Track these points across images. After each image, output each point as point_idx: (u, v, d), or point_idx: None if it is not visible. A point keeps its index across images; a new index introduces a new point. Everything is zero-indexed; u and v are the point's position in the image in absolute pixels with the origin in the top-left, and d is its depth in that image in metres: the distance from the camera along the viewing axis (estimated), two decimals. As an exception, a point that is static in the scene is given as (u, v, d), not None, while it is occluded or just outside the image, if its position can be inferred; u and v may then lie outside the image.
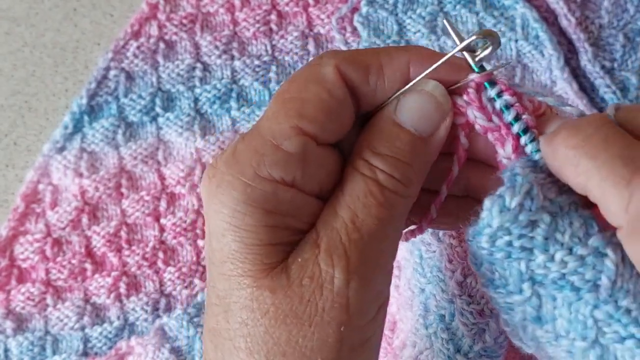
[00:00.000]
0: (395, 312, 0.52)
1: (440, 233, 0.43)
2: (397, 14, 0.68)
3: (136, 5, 0.71)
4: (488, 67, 0.36)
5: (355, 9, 0.69)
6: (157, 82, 0.68)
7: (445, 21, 0.37)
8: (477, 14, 0.68)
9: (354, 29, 0.68)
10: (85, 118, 0.67)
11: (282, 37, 0.69)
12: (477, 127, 0.36)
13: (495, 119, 0.35)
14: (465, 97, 0.36)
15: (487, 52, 0.34)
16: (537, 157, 0.34)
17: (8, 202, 0.67)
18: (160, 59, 0.69)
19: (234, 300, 0.33)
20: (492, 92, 0.35)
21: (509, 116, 0.35)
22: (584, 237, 0.32)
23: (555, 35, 0.67)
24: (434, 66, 0.34)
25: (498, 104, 0.35)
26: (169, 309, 0.64)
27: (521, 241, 0.33)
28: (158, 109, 0.68)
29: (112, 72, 0.69)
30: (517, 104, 0.35)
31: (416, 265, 0.46)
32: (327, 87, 0.34)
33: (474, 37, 0.34)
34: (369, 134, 0.35)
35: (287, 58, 0.69)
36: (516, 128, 0.34)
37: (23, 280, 0.64)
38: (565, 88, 0.65)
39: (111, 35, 0.71)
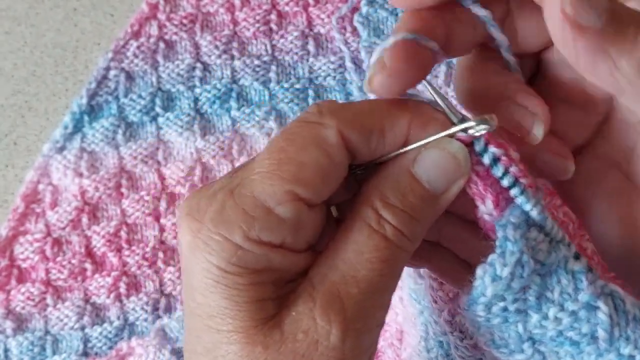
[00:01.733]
0: (402, 322, 0.52)
1: (421, 270, 0.43)
2: (397, 14, 0.68)
3: (136, 5, 0.71)
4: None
5: (355, 9, 0.69)
6: (157, 82, 0.68)
7: (430, 89, 0.35)
8: (477, 13, 0.68)
9: (354, 29, 0.68)
10: (85, 118, 0.67)
11: (282, 36, 0.69)
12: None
13: (472, 175, 0.34)
14: None
15: (482, 132, 0.33)
16: (527, 207, 0.33)
17: (8, 202, 0.67)
18: (160, 58, 0.69)
19: (222, 354, 0.32)
20: (477, 147, 0.34)
21: (498, 171, 0.34)
22: (574, 292, 0.32)
23: (555, 35, 0.66)
24: (433, 138, 0.34)
25: (486, 158, 0.34)
26: (169, 309, 0.64)
27: (515, 305, 0.33)
28: (158, 109, 0.68)
29: (112, 72, 0.69)
30: (503, 157, 0.34)
31: (411, 290, 0.46)
32: (329, 151, 0.32)
33: (472, 124, 0.33)
34: (381, 182, 0.34)
35: (287, 58, 0.69)
36: (506, 182, 0.34)
37: (23, 280, 0.64)
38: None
39: (111, 35, 0.71)
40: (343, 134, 0.33)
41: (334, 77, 0.68)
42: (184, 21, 0.70)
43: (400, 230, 0.33)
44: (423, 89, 0.35)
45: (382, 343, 0.57)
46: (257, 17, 0.69)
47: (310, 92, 0.68)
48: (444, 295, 0.42)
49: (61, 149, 0.67)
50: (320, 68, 0.68)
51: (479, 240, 0.36)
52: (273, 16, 0.70)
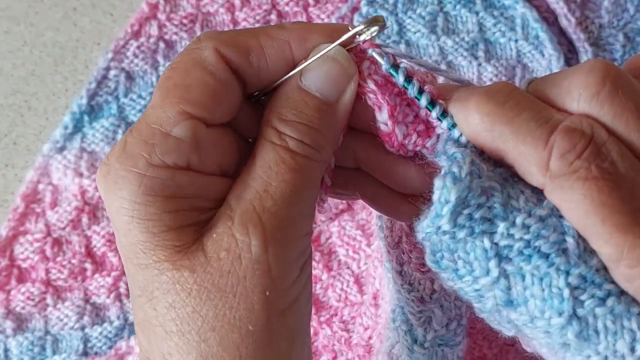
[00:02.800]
0: (388, 308, 0.52)
1: (385, 227, 0.43)
2: (397, 14, 0.68)
3: (136, 5, 0.71)
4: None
5: (355, 9, 0.69)
6: (157, 82, 0.68)
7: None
8: (477, 13, 0.68)
9: (354, 29, 0.68)
10: (85, 118, 0.67)
11: (282, 36, 0.69)
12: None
13: (370, 83, 0.35)
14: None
15: (372, 33, 0.34)
16: (456, 134, 0.34)
17: (8, 202, 0.67)
18: (160, 58, 0.69)
19: (157, 287, 0.33)
20: (386, 65, 0.35)
21: (413, 90, 0.34)
22: (538, 200, 0.32)
23: (555, 35, 0.67)
24: (325, 50, 0.35)
25: (400, 77, 0.35)
26: (169, 308, 0.64)
27: (481, 212, 0.33)
28: (158, 109, 0.68)
29: (112, 72, 0.68)
30: (415, 75, 0.35)
31: (385, 261, 0.45)
32: (209, 69, 0.34)
33: (361, 27, 0.34)
34: (276, 102, 0.35)
35: (287, 58, 0.69)
36: (423, 102, 0.34)
37: (23, 280, 0.64)
38: (565, 88, 0.65)
39: (111, 35, 0.71)
40: (221, 53, 0.34)
41: (334, 77, 0.68)
42: (184, 21, 0.70)
43: (301, 140, 0.34)
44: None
45: (374, 338, 0.57)
46: (257, 17, 0.69)
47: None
48: (392, 241, 0.42)
49: (61, 149, 0.67)
50: (320, 68, 0.68)
51: (391, 161, 0.37)
52: (273, 16, 0.70)
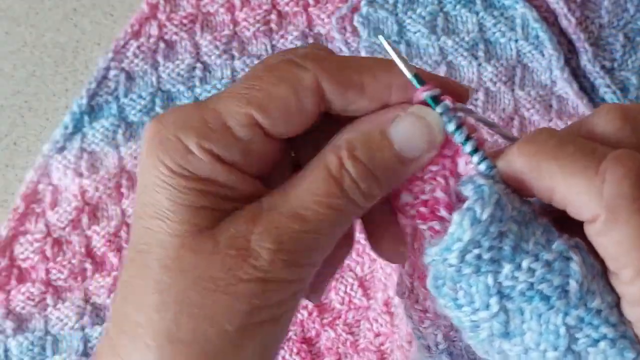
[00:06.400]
0: None
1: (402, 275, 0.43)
2: (397, 14, 0.68)
3: (136, 5, 0.71)
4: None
5: (355, 9, 0.69)
6: (157, 82, 0.68)
7: (385, 44, 0.35)
8: (477, 13, 0.68)
9: (354, 29, 0.68)
10: (85, 118, 0.67)
11: (282, 37, 0.69)
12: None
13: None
14: None
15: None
16: (491, 173, 0.33)
17: (8, 202, 0.67)
18: (160, 58, 0.69)
19: (155, 257, 0.33)
20: (440, 111, 0.34)
21: (459, 137, 0.34)
22: (547, 243, 0.32)
23: (555, 35, 0.67)
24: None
25: (450, 126, 0.34)
26: (169, 309, 0.64)
27: (490, 253, 0.32)
28: (158, 109, 0.68)
29: (112, 72, 0.69)
30: (466, 124, 0.34)
31: None
32: (299, 93, 0.34)
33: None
34: (353, 134, 0.34)
35: (287, 58, 0.69)
36: (468, 148, 0.34)
37: (23, 280, 0.64)
38: (565, 88, 0.65)
39: (111, 35, 0.71)
40: (319, 82, 0.34)
41: (334, 77, 0.68)
42: (184, 21, 0.70)
43: (357, 183, 0.33)
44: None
45: (387, 344, 0.57)
46: (257, 17, 0.70)
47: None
48: (406, 289, 0.42)
49: (61, 149, 0.67)
50: (320, 68, 0.68)
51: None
52: (273, 16, 0.70)
